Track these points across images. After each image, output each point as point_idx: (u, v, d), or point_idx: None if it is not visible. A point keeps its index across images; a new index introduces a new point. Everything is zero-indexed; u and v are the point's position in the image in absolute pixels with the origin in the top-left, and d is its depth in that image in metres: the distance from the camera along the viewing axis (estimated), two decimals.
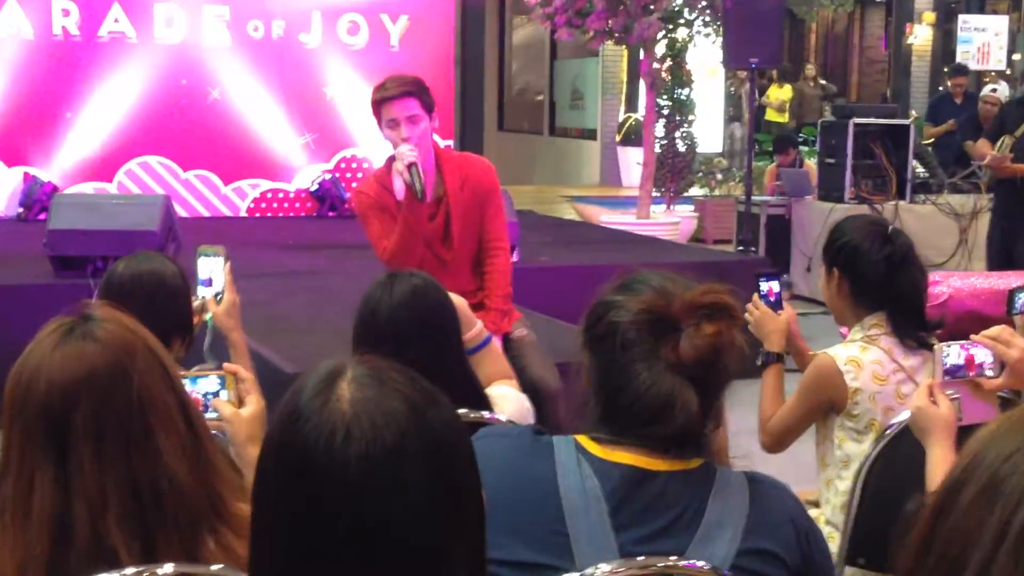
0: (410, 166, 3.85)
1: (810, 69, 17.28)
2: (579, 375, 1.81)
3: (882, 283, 2.94)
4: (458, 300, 2.71)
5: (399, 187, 3.98)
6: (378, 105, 3.96)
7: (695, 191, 13.06)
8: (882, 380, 2.93)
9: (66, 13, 9.76)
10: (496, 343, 2.99)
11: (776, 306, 3.17)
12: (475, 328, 2.87)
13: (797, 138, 11.41)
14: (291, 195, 10.47)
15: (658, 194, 11.72)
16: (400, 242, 3.92)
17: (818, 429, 3.04)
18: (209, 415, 2.13)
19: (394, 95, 3.92)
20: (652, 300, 1.73)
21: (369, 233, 4.04)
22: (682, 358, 1.69)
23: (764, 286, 3.19)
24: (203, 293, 2.97)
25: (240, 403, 2.20)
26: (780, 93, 17.03)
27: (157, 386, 1.62)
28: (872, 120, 9.29)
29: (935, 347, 2.37)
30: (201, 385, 2.20)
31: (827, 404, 2.96)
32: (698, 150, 12.49)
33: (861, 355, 2.94)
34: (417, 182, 3.84)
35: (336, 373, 1.30)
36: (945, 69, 14.64)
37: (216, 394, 2.19)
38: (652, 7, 9.96)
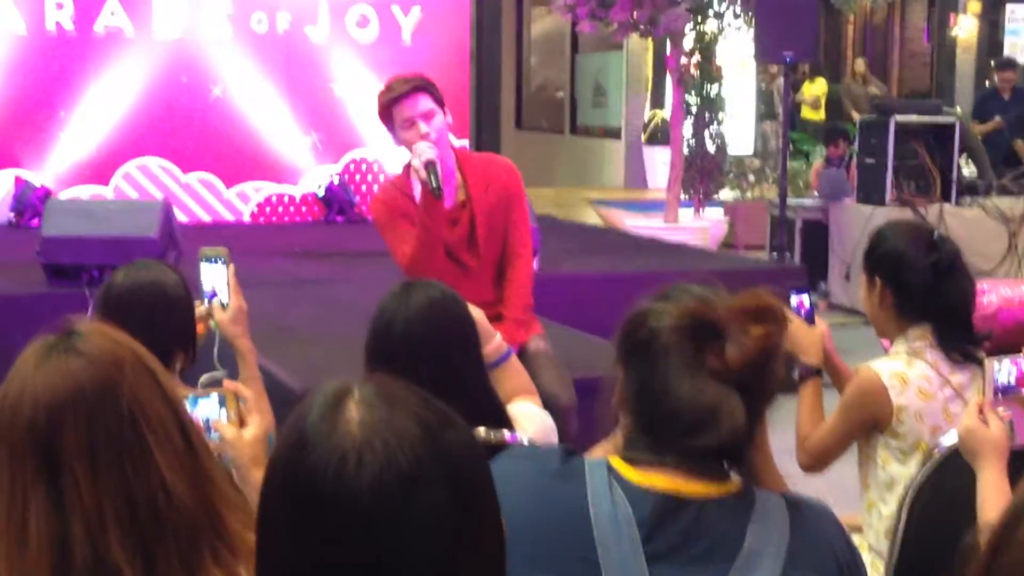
0: (428, 163, 3.83)
1: (859, 64, 17.15)
2: (611, 391, 1.80)
3: (927, 293, 2.93)
4: (476, 312, 2.70)
5: (420, 191, 3.97)
6: (388, 108, 3.95)
7: (726, 194, 13.04)
8: (929, 397, 2.92)
9: (60, 7, 9.81)
10: (516, 358, 2.98)
11: (808, 321, 3.16)
12: (494, 341, 2.87)
13: (848, 130, 11.40)
14: (297, 199, 10.49)
15: (686, 197, 11.70)
16: (419, 247, 3.90)
17: (860, 449, 3.02)
18: (211, 437, 2.12)
19: (404, 92, 3.92)
20: (695, 306, 1.74)
21: (388, 241, 4.02)
22: (729, 364, 1.69)
23: (795, 300, 3.18)
24: (207, 299, 2.98)
25: (242, 423, 2.19)
26: (814, 88, 16.99)
27: (149, 398, 1.62)
28: (915, 117, 9.26)
29: (985, 362, 2.35)
30: (202, 407, 2.20)
31: (870, 422, 2.95)
32: (729, 150, 12.47)
33: (907, 370, 2.93)
34: (434, 179, 3.82)
35: (342, 394, 1.29)
36: (992, 63, 14.56)
37: (217, 415, 2.19)
38: None
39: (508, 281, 4.09)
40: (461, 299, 2.62)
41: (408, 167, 4.00)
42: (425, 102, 3.92)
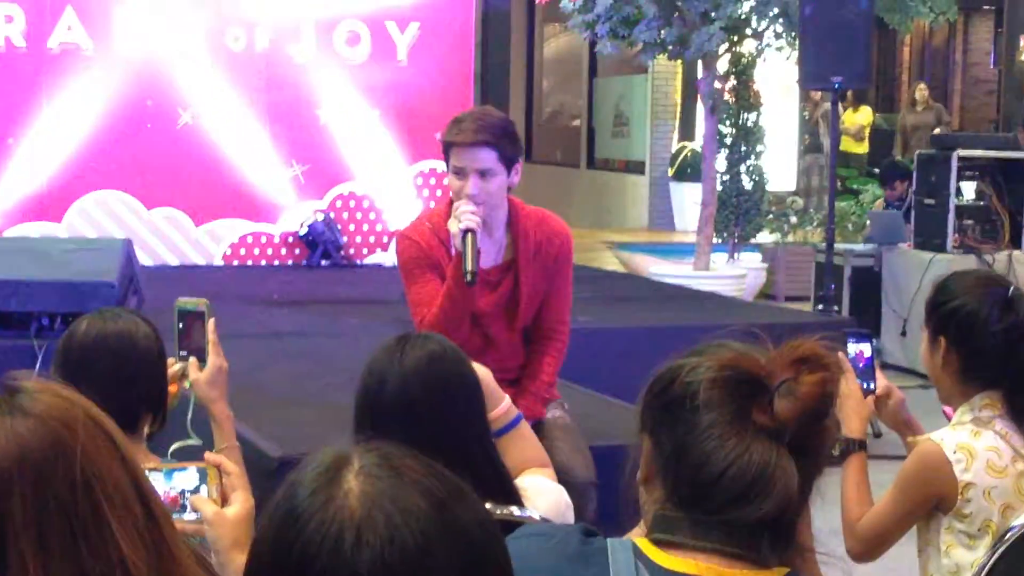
0: (466, 232, 3.81)
1: (921, 91, 17.18)
2: (636, 461, 1.79)
3: (1000, 358, 2.93)
4: (482, 371, 2.70)
5: (458, 243, 3.91)
6: (447, 147, 3.95)
7: (764, 237, 13.06)
8: (999, 472, 2.91)
9: (9, 19, 9.89)
10: (527, 425, 2.98)
11: (867, 376, 3.13)
12: (502, 405, 2.87)
13: (908, 167, 11.46)
14: (276, 239, 10.52)
15: (719, 241, 11.72)
16: (443, 317, 3.88)
17: (920, 533, 3.01)
18: (188, 516, 2.12)
19: (467, 142, 3.89)
20: (735, 357, 1.73)
21: (409, 293, 4.01)
22: (779, 419, 1.67)
23: (854, 348, 3.15)
24: (183, 357, 2.98)
25: (224, 501, 2.19)
26: (857, 118, 17.05)
27: (104, 462, 1.61)
28: (980, 152, 9.30)
29: None
30: (177, 480, 2.20)
31: (932, 501, 2.94)
32: (768, 187, 12.51)
33: (973, 441, 2.92)
34: (470, 259, 3.77)
35: (340, 463, 1.29)
36: None
37: (196, 490, 2.19)
38: (714, 15, 10.01)
39: (540, 354, 4.10)
40: (464, 355, 2.62)
41: (449, 204, 3.98)
42: (487, 158, 3.89)
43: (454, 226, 3.84)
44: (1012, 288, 3.01)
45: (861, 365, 3.14)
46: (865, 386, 3.11)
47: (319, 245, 10.47)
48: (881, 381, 3.16)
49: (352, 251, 10.61)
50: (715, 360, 1.73)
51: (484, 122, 3.94)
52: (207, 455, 2.27)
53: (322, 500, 1.25)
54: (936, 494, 2.93)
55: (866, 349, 3.18)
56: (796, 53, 9.92)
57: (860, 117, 17.12)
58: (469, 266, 3.78)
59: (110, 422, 1.67)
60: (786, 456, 1.67)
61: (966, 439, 2.92)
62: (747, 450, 1.67)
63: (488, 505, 2.39)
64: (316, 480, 1.27)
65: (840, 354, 3.08)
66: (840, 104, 16.89)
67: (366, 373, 2.53)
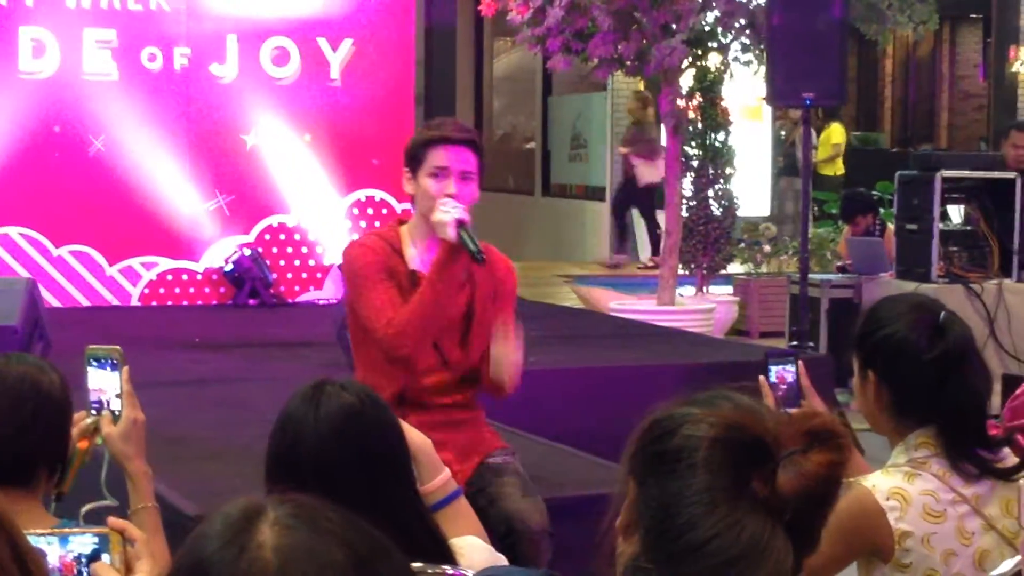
0: (460, 224, 3.93)
1: None
2: (616, 510, 1.79)
3: (932, 391, 2.93)
4: (419, 439, 2.75)
5: (411, 255, 4.08)
6: (426, 145, 4.07)
7: (735, 267, 13.13)
8: (937, 517, 2.91)
9: None
10: (464, 500, 3.00)
11: (789, 402, 3.14)
12: (440, 477, 2.89)
13: (872, 198, 11.51)
14: (199, 277, 10.50)
15: (686, 272, 11.77)
16: (420, 317, 3.95)
17: None
18: None
19: (455, 139, 4.05)
20: (741, 416, 1.73)
21: (366, 301, 4.05)
22: (779, 492, 1.68)
23: (775, 373, 3.20)
24: (94, 409, 2.98)
25: (128, 570, 2.19)
26: (831, 135, 17.16)
27: None
28: (967, 173, 9.35)
29: (1021, 484, 2.37)
30: (75, 545, 2.20)
31: (866, 550, 2.94)
32: (739, 213, 12.58)
33: (907, 485, 2.91)
34: (471, 240, 3.91)
35: (253, 513, 1.30)
36: None
37: (95, 557, 2.19)
38: (675, 27, 10.07)
39: (504, 354, 4.12)
40: (384, 405, 2.65)
41: (395, 226, 4.14)
42: (470, 160, 4.06)
43: (446, 216, 3.94)
44: (943, 313, 2.99)
45: (784, 388, 3.18)
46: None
47: (246, 282, 10.46)
48: (807, 404, 3.18)
49: (282, 288, 10.60)
50: (720, 417, 1.73)
51: (463, 125, 4.17)
52: (110, 520, 2.27)
53: (234, 553, 1.26)
54: (870, 544, 2.92)
55: (789, 373, 3.21)
56: (764, 68, 9.97)
57: (833, 134, 17.24)
58: (473, 245, 3.90)
59: None
60: (781, 534, 1.68)
61: (900, 483, 2.91)
62: (738, 522, 1.67)
63: (419, 564, 2.41)
64: (226, 532, 1.28)
65: (761, 378, 3.13)
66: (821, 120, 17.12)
67: (278, 427, 2.55)
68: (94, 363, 3.02)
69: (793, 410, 3.03)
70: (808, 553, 1.73)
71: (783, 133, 17.41)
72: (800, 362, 3.28)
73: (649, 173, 14.81)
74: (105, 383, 3.01)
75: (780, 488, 1.68)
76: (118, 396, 2.99)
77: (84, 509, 3.05)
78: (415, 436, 2.76)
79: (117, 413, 2.98)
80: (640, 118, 15.52)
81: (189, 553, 1.30)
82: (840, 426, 1.74)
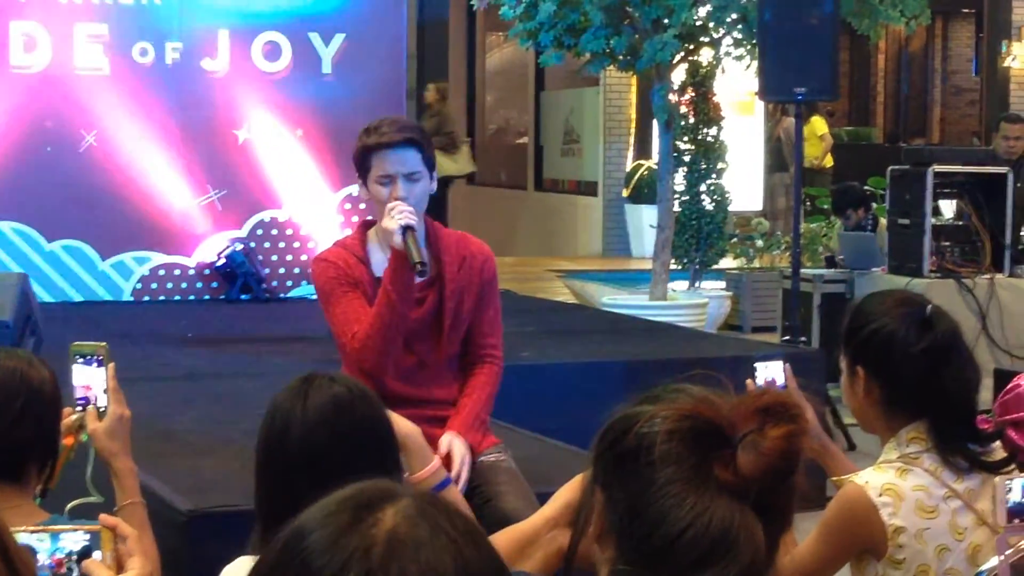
0: (406, 230, 3.92)
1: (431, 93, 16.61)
2: (587, 519, 1.79)
3: (922, 384, 2.94)
4: (408, 428, 2.75)
5: (378, 260, 4.08)
6: (367, 153, 4.07)
7: (728, 262, 13.13)
8: (930, 512, 2.92)
9: None
10: (456, 489, 3.01)
11: None
12: (430, 466, 2.89)
13: (864, 192, 11.49)
14: (191, 272, 10.49)
15: (679, 267, 11.77)
16: (379, 328, 3.96)
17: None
18: None
19: (393, 142, 4.03)
20: (694, 405, 1.74)
21: (332, 315, 4.09)
22: (742, 474, 1.69)
23: (763, 373, 3.21)
24: (79, 406, 2.98)
25: (120, 568, 2.19)
26: (815, 127, 17.15)
27: None
28: (959, 168, 9.36)
29: (996, 482, 2.37)
30: (65, 542, 2.19)
31: (860, 547, 2.95)
32: (731, 208, 12.58)
33: (899, 481, 2.92)
34: (415, 251, 3.90)
35: (387, 494, 1.32)
36: None
37: (85, 554, 2.19)
38: (667, 22, 10.08)
39: (471, 387, 4.15)
40: (374, 397, 2.65)
41: (363, 227, 4.15)
42: (413, 160, 4.05)
43: (392, 223, 3.93)
44: (930, 306, 3.01)
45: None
46: None
47: (238, 278, 10.45)
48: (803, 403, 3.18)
49: (275, 284, 10.59)
50: (672, 409, 1.73)
51: (402, 123, 4.16)
52: (102, 517, 2.26)
53: (348, 520, 1.28)
54: (863, 541, 2.93)
55: (778, 374, 3.23)
56: (756, 63, 9.98)
57: (817, 126, 17.22)
58: (416, 257, 3.89)
59: None
60: (751, 516, 1.68)
61: (892, 479, 2.92)
62: (707, 509, 1.67)
63: None
64: (354, 498, 1.31)
65: (748, 381, 3.14)
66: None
67: (267, 419, 2.56)
68: (79, 359, 3.03)
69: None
70: (781, 531, 1.74)
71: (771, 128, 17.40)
72: (786, 364, 3.28)
73: (448, 166, 14.57)
74: (91, 379, 3.01)
75: (742, 470, 1.69)
76: (104, 392, 3.00)
77: (69, 506, 3.06)
78: (404, 425, 2.77)
79: (103, 409, 2.99)
80: (440, 110, 15.36)
81: (311, 509, 1.31)
82: (791, 398, 1.75)
